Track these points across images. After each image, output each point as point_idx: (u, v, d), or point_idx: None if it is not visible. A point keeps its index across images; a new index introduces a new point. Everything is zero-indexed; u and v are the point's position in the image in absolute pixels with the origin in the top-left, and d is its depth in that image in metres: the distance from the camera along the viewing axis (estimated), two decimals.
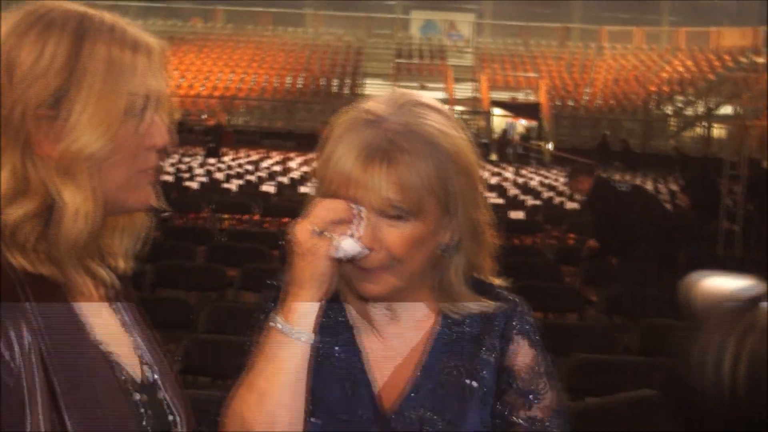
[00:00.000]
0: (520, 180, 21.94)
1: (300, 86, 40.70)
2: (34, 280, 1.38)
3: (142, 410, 1.49)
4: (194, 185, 15.77)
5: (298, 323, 1.58)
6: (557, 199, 17.19)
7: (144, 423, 1.48)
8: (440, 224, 1.65)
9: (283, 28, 47.86)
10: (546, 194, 18.19)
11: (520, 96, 41.11)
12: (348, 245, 1.56)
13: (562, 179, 22.08)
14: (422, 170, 1.58)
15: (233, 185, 16.13)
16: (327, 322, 1.71)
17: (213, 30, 47.45)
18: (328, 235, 1.55)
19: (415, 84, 40.60)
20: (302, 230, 1.56)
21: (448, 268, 1.71)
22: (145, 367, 1.56)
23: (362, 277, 1.63)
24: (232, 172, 18.88)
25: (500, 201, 16.01)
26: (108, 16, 1.47)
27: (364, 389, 1.69)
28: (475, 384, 1.69)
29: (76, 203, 1.39)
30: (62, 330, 1.38)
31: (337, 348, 1.73)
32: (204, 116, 34.82)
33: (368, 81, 41.93)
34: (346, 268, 1.63)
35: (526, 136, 36.56)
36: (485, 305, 1.72)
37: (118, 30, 1.46)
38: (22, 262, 1.37)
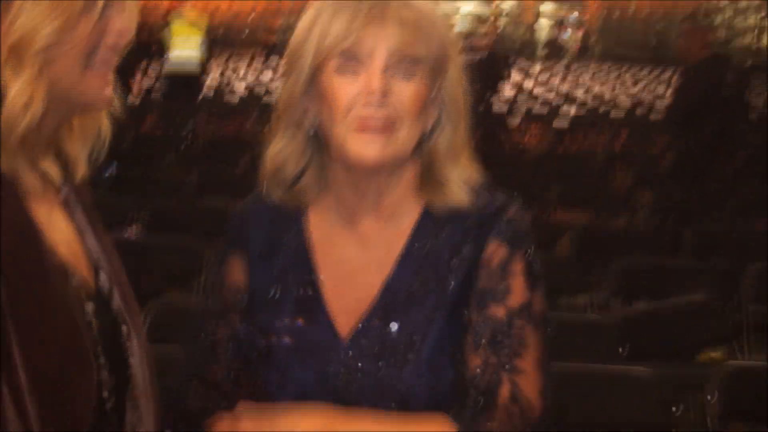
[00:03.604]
0: (569, 85, 21.67)
1: None
2: None
3: (93, 321, 1.39)
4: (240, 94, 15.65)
5: None
6: (606, 104, 16.93)
7: (96, 334, 1.38)
8: (433, 94, 1.59)
9: None
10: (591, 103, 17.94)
11: (566, 7, 40.38)
12: None
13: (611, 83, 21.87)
14: (432, 21, 1.56)
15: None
16: (282, 244, 1.66)
17: None
18: None
19: None
20: None
21: (434, 152, 1.61)
22: (101, 274, 1.47)
23: (362, 138, 1.53)
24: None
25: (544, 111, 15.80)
26: None
27: (321, 315, 1.61)
28: (441, 295, 1.58)
29: (19, 94, 1.29)
30: (18, 233, 1.29)
31: (291, 276, 1.65)
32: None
33: None
34: (339, 128, 1.54)
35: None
36: (469, 200, 1.61)
37: None
38: None
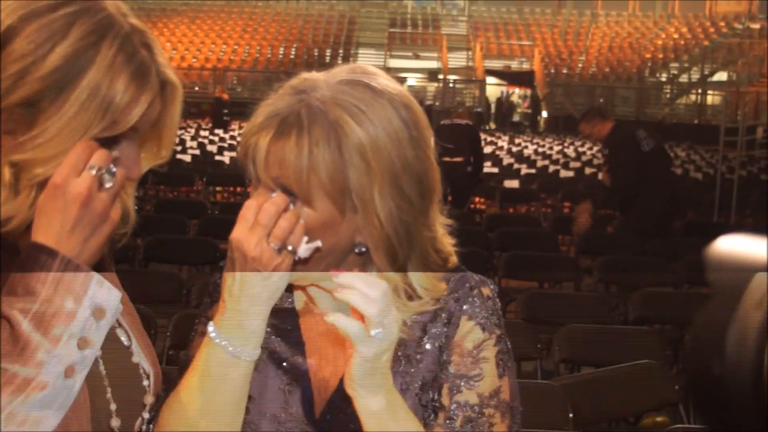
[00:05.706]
0: (515, 149, 21.87)
1: (293, 57, 40.48)
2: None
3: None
4: (187, 158, 15.68)
5: (245, 344, 1.47)
6: (552, 168, 17.11)
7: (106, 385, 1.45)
8: (344, 220, 1.50)
9: None
10: (541, 163, 18.11)
11: (514, 64, 40.97)
12: (306, 250, 1.46)
13: (556, 147, 22.09)
14: (313, 153, 1.44)
15: (226, 158, 16.02)
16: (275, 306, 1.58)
17: (205, 1, 47.09)
18: (290, 248, 1.43)
19: (408, 53, 40.44)
20: (257, 246, 1.41)
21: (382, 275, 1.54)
22: (119, 331, 1.51)
23: None
24: (224, 145, 18.79)
25: (494, 170, 15.98)
26: (134, 36, 1.36)
27: (303, 383, 1.59)
28: (410, 376, 1.57)
29: (8, 210, 1.31)
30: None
31: (280, 339, 1.62)
32: (196, 88, 34.79)
33: (362, 51, 41.71)
34: None
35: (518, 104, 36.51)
36: (434, 294, 1.57)
37: (127, 53, 1.34)
38: None
